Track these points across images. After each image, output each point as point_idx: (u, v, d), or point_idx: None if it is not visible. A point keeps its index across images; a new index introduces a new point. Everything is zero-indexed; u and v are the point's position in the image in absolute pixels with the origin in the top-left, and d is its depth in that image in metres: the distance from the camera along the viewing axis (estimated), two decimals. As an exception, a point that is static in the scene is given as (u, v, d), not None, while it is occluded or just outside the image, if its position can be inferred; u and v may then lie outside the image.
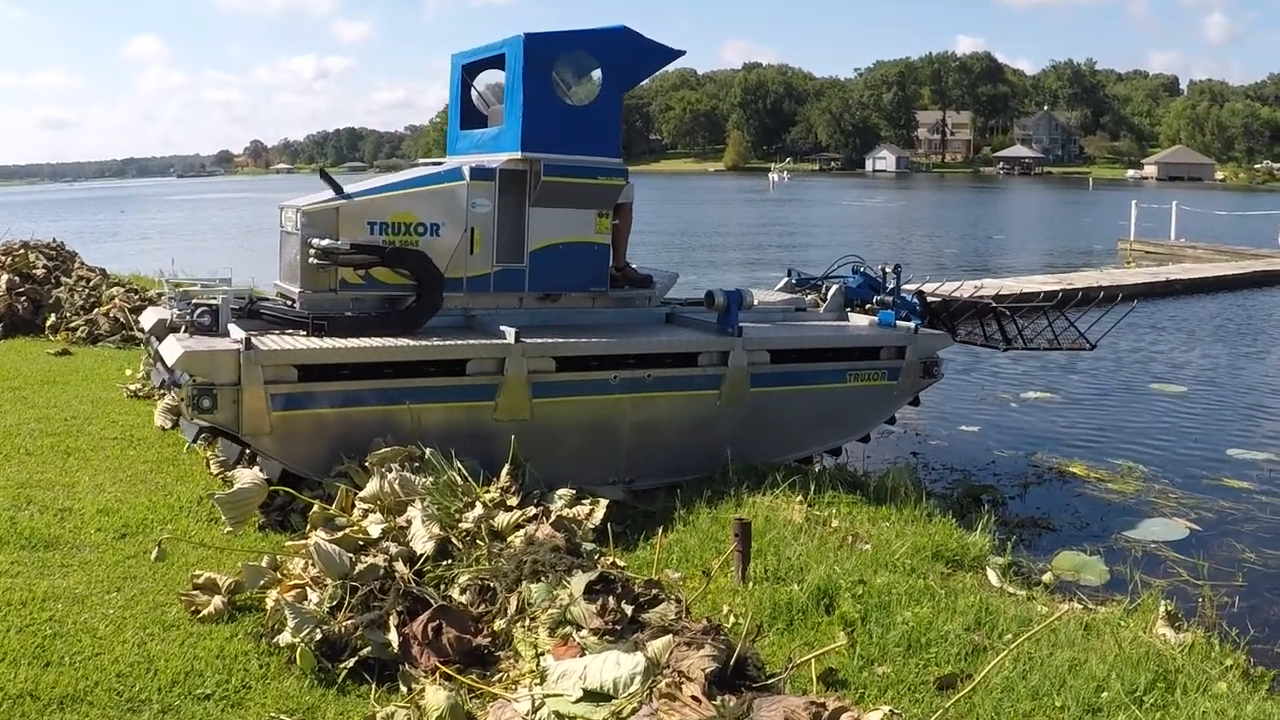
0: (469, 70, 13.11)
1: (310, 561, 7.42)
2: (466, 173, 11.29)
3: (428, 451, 9.24)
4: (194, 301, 10.51)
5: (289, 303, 11.07)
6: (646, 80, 15.21)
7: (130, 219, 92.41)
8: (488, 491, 9.02)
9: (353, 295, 10.83)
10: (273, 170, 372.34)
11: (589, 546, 8.34)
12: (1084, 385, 20.44)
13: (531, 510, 8.65)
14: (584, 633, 6.59)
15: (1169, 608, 8.64)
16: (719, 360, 11.70)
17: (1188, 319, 29.86)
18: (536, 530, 8.16)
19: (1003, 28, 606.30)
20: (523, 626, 6.92)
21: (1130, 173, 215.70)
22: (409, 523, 8.18)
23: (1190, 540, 12.09)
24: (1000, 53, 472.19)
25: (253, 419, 9.60)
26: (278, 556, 7.98)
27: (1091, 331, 15.51)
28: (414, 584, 7.34)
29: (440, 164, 12.32)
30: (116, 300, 19.80)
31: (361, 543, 7.90)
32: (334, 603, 7.04)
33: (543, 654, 6.52)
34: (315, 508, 8.78)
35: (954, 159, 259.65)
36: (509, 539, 8.14)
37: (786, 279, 14.88)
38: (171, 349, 9.71)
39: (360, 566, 7.34)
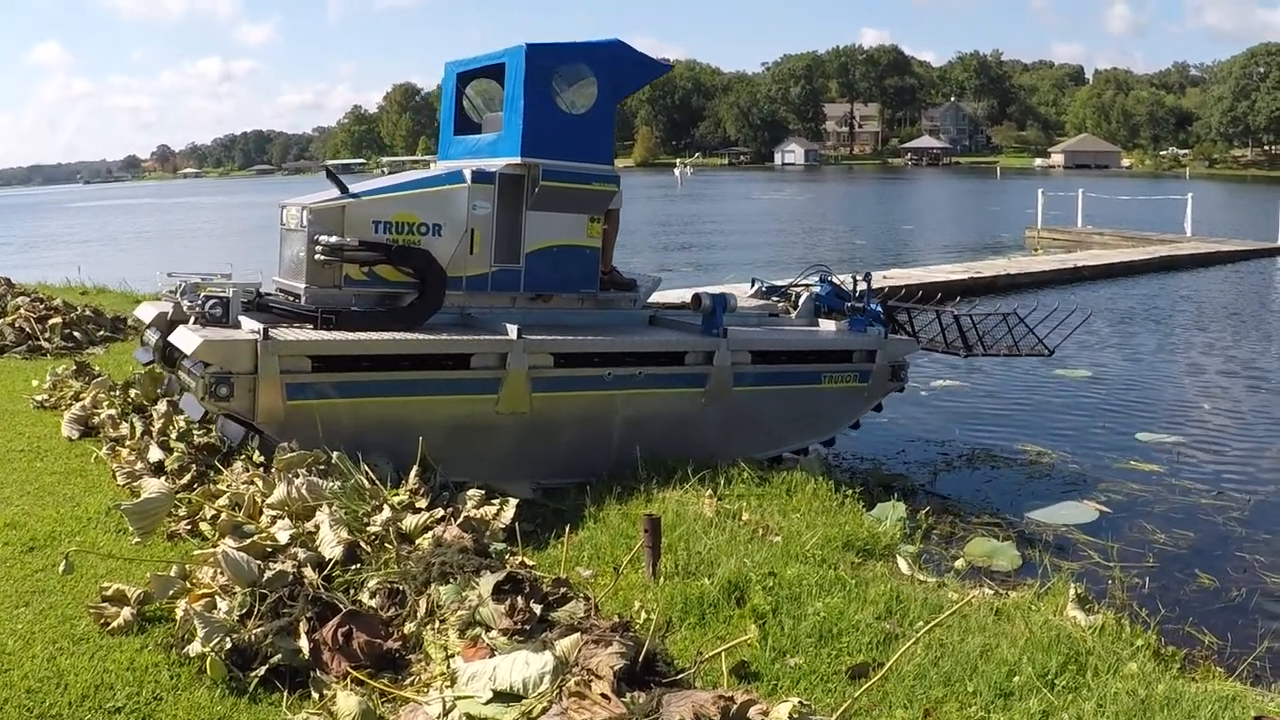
0: (463, 79, 13.43)
1: (219, 570, 7.34)
2: (468, 176, 11.59)
3: (334, 455, 9.24)
4: (205, 294, 10.73)
5: (291, 298, 11.28)
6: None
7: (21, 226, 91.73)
8: (397, 494, 9.01)
9: (355, 291, 11.12)
10: (180, 175, 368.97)
11: (498, 546, 8.33)
12: (991, 372, 20.60)
13: (439, 512, 8.64)
14: (493, 633, 6.57)
15: (1079, 590, 8.69)
16: (704, 360, 12.16)
17: (1094, 305, 30.09)
18: (444, 531, 8.14)
19: (908, 20, 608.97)
20: (433, 629, 6.89)
21: (1037, 161, 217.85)
22: (317, 528, 8.12)
23: (1100, 523, 12.24)
24: (906, 45, 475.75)
25: (267, 408, 9.94)
26: (186, 566, 7.86)
27: (1049, 338, 15.89)
28: (323, 589, 7.27)
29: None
30: (22, 310, 19.49)
31: (270, 549, 7.83)
32: (243, 611, 6.97)
33: (453, 656, 6.50)
34: (223, 515, 8.71)
35: (862, 151, 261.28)
36: (417, 541, 8.13)
37: (754, 287, 15.32)
38: (188, 339, 9.97)
39: (269, 573, 7.26)
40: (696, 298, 12.82)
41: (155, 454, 10.73)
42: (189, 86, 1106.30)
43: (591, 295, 12.62)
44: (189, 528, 9.11)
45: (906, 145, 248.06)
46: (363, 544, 7.98)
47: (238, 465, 10.13)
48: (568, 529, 9.16)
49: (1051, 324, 15.95)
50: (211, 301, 10.60)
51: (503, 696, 5.88)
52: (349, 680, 6.41)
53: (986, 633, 7.40)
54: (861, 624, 7.39)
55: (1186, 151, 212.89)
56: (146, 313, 12.04)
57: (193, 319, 10.62)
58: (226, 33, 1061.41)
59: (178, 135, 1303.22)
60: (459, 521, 8.46)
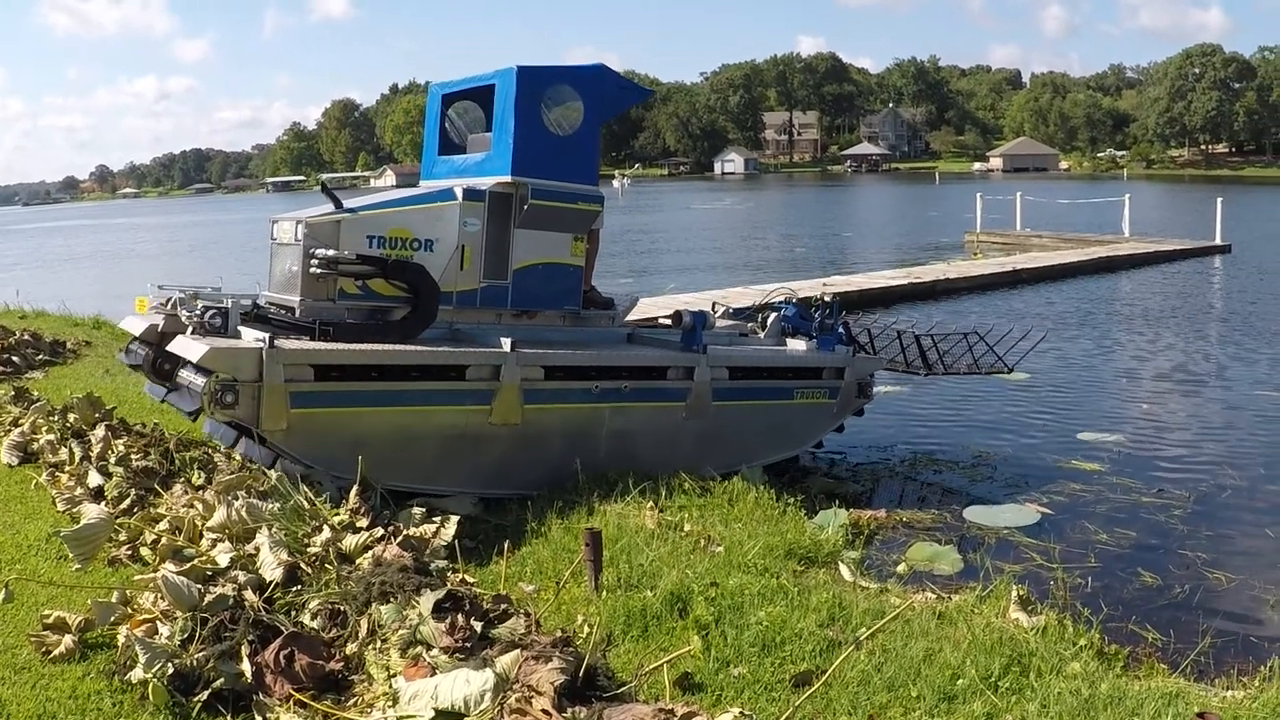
0: (447, 100, 13.68)
1: (159, 595, 7.31)
2: (459, 193, 11.72)
3: (274, 476, 9.25)
4: (204, 304, 10.79)
5: (285, 312, 11.35)
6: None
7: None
8: (337, 514, 8.99)
9: (348, 305, 11.20)
10: (119, 195, 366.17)
11: (439, 564, 8.34)
12: (930, 378, 20.60)
13: (379, 531, 8.64)
14: (434, 652, 6.56)
15: (1021, 592, 8.76)
16: (685, 375, 12.52)
17: (1032, 308, 30.32)
18: (384, 551, 8.13)
19: (844, 27, 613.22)
20: (374, 649, 6.88)
21: (976, 165, 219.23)
22: (257, 550, 8.10)
23: (1042, 524, 12.34)
24: (843, 52, 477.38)
25: (271, 415, 10.06)
26: (128, 591, 7.81)
27: (1008, 355, 16.30)
28: (264, 612, 7.24)
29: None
30: (-42, 336, 19.35)
31: (210, 573, 7.80)
32: (185, 635, 6.92)
33: (395, 675, 6.49)
34: (164, 540, 8.66)
35: (802, 159, 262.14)
36: (357, 561, 8.12)
37: (719, 311, 15.69)
38: (194, 347, 10.00)
39: (209, 597, 7.22)
40: (678, 315, 13.24)
41: (95, 479, 10.68)
42: (125, 105, 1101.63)
43: (574, 312, 12.85)
44: (130, 553, 9.05)
45: (846, 152, 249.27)
46: (303, 565, 7.97)
47: (177, 488, 10.11)
48: (507, 545, 9.18)
49: (1011, 341, 16.27)
50: (211, 312, 10.65)
51: (444, 715, 5.90)
52: (292, 703, 6.39)
53: (929, 637, 7.44)
54: (804, 632, 7.40)
55: (1124, 153, 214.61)
56: (134, 325, 12.00)
57: (191, 329, 10.67)
58: (162, 50, 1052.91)
59: (115, 155, 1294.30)
60: (399, 540, 8.47)
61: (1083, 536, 11.89)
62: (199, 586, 7.34)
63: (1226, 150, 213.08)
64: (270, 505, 8.78)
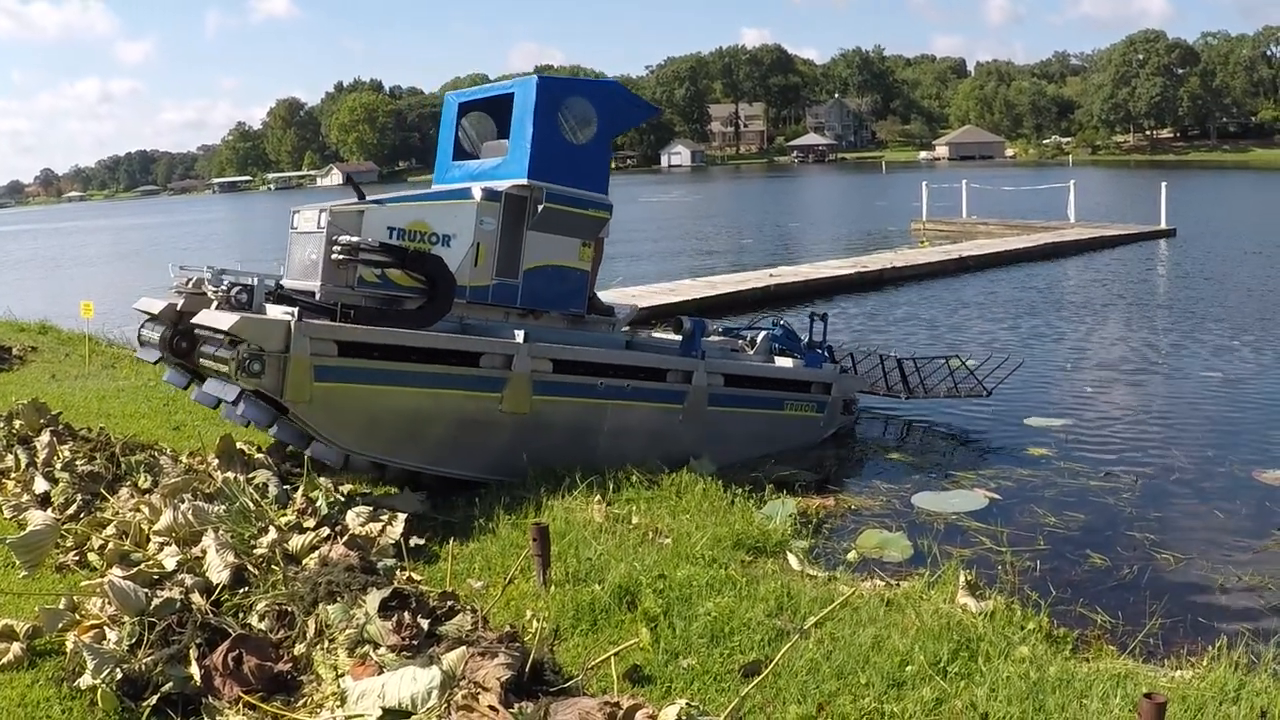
0: (463, 109, 14.12)
1: (107, 600, 7.28)
2: (477, 193, 12.12)
3: (219, 479, 9.21)
4: (230, 280, 11.12)
5: (306, 296, 11.51)
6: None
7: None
8: (284, 514, 8.96)
9: (366, 293, 11.51)
10: (65, 199, 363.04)
11: (387, 563, 8.32)
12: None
13: (325, 531, 8.62)
14: (382, 650, 6.56)
15: (970, 577, 8.77)
16: (684, 379, 13.06)
17: (979, 295, 30.43)
18: (330, 550, 8.12)
19: (788, 18, 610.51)
20: (322, 649, 6.87)
21: (922, 154, 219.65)
22: (204, 552, 8.08)
23: (991, 509, 12.41)
24: (787, 43, 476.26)
25: (295, 386, 10.31)
26: (75, 597, 7.77)
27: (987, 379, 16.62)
28: (212, 614, 7.23)
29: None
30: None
31: (158, 576, 7.81)
32: (133, 640, 6.91)
33: (343, 675, 6.47)
34: (110, 545, 8.63)
35: (749, 150, 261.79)
36: (304, 561, 8.09)
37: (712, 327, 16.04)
38: (223, 318, 10.25)
39: (157, 601, 7.21)
40: (679, 321, 14.05)
41: (41, 485, 10.65)
42: (68, 108, 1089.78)
43: (578, 315, 13.16)
44: (77, 559, 9.02)
45: (792, 143, 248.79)
46: (250, 567, 7.97)
47: (124, 493, 10.06)
48: (454, 541, 9.21)
49: (991, 365, 16.76)
50: (238, 288, 10.96)
51: (392, 714, 5.91)
52: (241, 705, 6.38)
53: (878, 624, 7.49)
54: (753, 622, 7.44)
55: (1069, 139, 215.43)
56: (151, 305, 12.10)
57: (216, 304, 10.99)
58: (104, 51, 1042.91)
59: (59, 158, 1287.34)
60: (345, 539, 8.46)
61: (1031, 520, 11.96)
62: (146, 591, 7.33)
63: (1171, 135, 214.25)
64: (217, 508, 8.78)
